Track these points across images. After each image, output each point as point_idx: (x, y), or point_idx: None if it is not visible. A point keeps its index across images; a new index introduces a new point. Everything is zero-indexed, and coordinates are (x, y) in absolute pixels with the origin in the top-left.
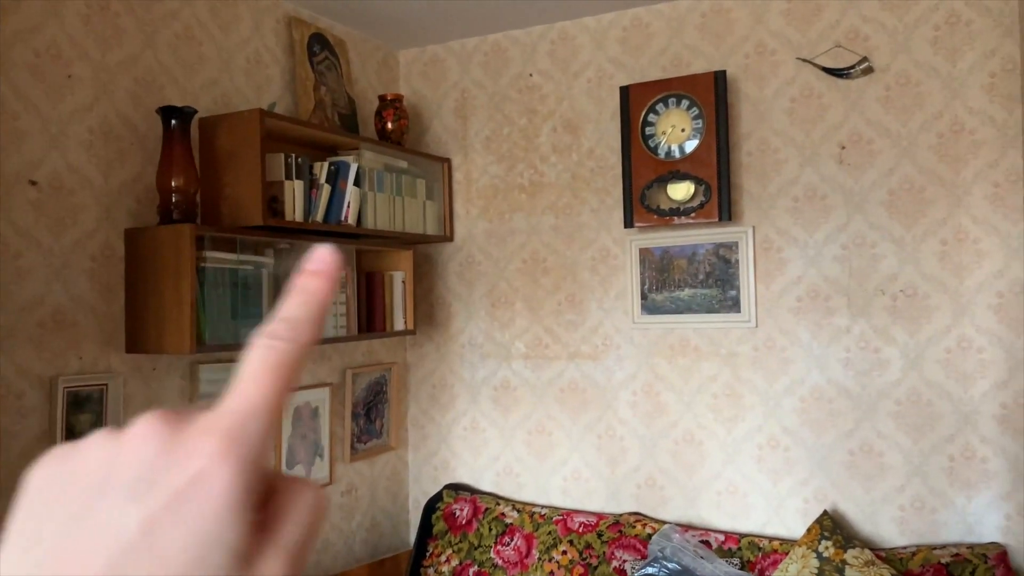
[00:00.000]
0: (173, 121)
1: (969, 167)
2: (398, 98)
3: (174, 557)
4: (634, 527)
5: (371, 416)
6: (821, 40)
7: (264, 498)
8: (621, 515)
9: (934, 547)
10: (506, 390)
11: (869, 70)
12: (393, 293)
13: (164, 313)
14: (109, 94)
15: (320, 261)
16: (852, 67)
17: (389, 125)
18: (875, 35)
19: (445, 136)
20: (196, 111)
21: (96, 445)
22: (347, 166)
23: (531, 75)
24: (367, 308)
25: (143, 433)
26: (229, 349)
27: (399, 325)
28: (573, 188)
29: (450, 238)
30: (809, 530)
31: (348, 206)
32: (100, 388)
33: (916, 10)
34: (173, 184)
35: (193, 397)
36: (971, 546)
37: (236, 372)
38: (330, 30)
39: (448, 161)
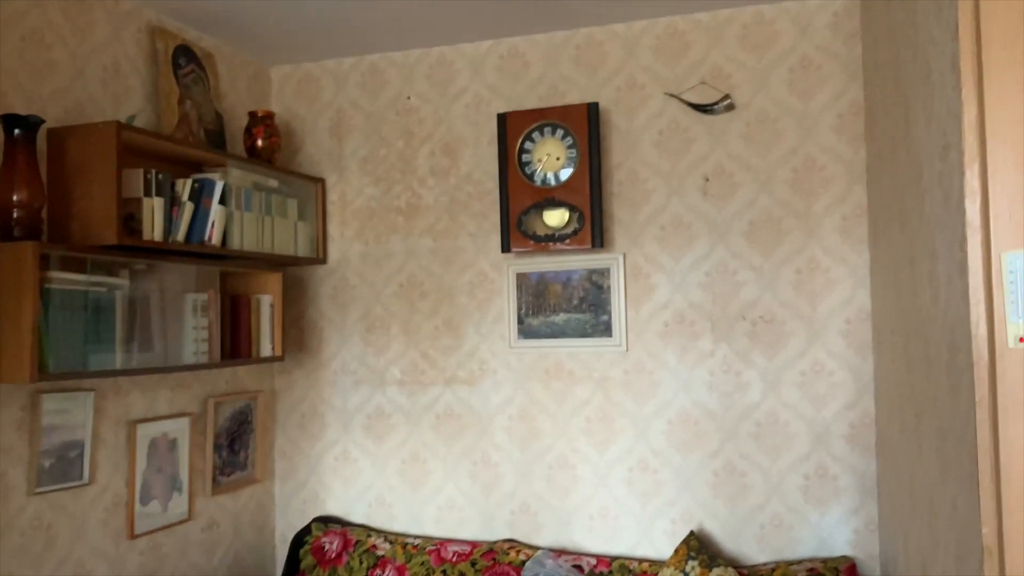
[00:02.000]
0: (16, 130)
1: (820, 200)
2: (269, 115)
3: None
4: (508, 554)
5: (235, 447)
6: (688, 76)
7: None
8: (495, 542)
9: (791, 563)
10: (380, 418)
11: (731, 107)
12: (260, 317)
13: (1, 338)
14: None
15: None
16: (716, 103)
17: (260, 143)
18: (737, 73)
19: (319, 156)
20: (43, 121)
21: None
22: (212, 183)
23: (409, 97)
24: (231, 333)
25: None
26: (78, 377)
27: (266, 351)
28: (451, 212)
29: (323, 260)
30: (676, 551)
31: (212, 225)
32: None
33: (773, 52)
34: (15, 198)
35: (34, 430)
36: (824, 560)
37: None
38: (197, 42)
39: (322, 181)
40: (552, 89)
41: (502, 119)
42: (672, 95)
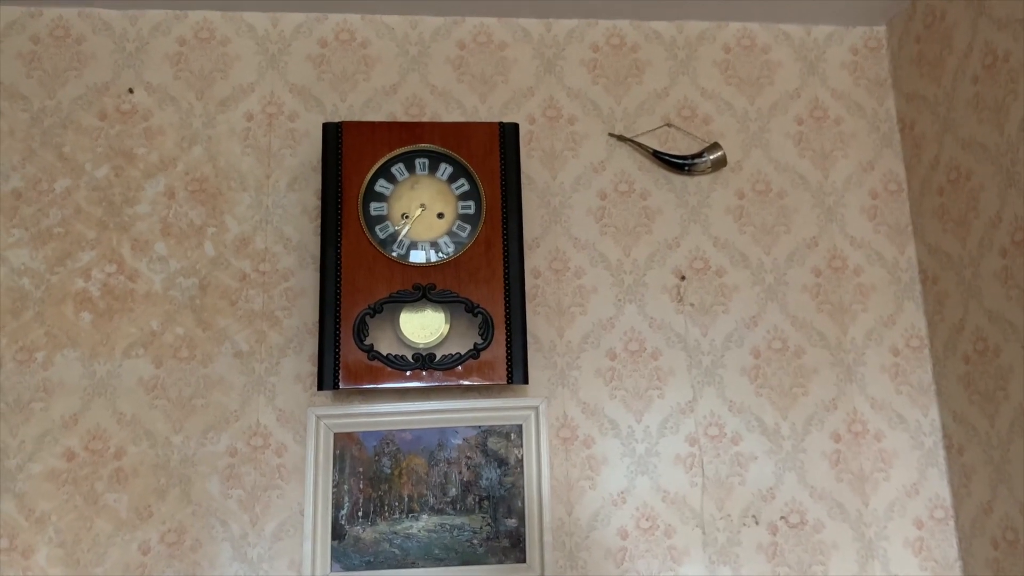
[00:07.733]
0: None
1: (859, 323)
2: None
3: None
4: None
5: None
6: (643, 111)
7: None
8: None
9: None
10: None
11: (722, 162)
12: None
13: None
14: None
15: None
16: (698, 156)
17: None
18: (719, 117)
19: None
20: None
21: None
22: None
23: (131, 91)
24: None
25: None
26: None
27: None
28: (198, 308)
29: None
30: None
31: None
32: None
33: (770, 92)
34: None
35: None
36: None
37: None
38: None
39: None
40: (415, 105)
41: (333, 133)
42: (621, 137)
